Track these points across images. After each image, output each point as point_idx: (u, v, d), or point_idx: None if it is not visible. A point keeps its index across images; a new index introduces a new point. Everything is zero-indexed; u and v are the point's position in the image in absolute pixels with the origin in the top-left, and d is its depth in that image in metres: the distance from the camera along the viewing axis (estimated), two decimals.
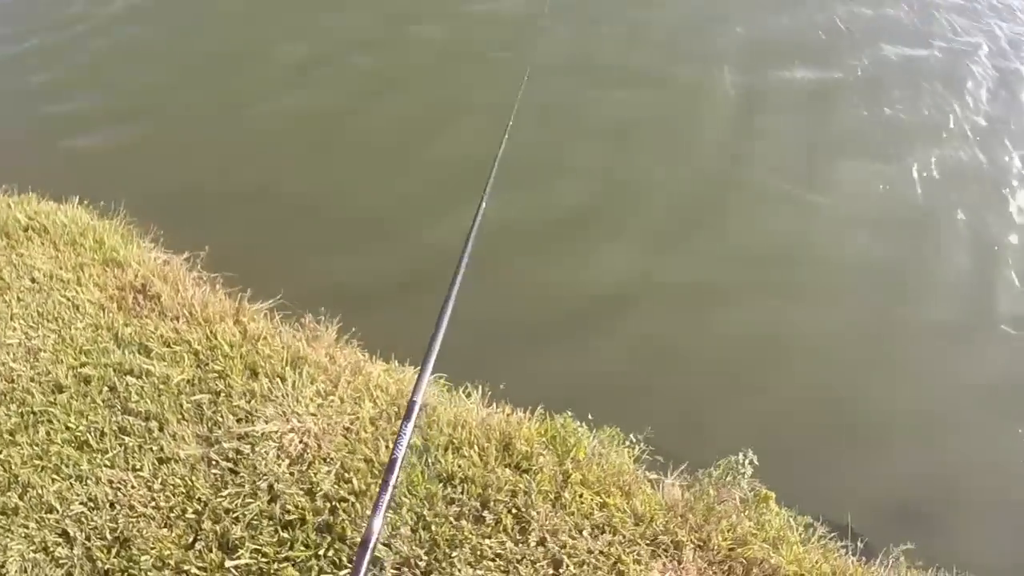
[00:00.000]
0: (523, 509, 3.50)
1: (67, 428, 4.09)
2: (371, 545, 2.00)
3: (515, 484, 3.59)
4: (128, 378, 4.22)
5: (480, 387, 4.34)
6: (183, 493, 3.70)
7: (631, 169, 6.45)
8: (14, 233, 5.52)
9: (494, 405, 4.21)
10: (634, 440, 4.13)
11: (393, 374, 4.32)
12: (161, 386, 4.14)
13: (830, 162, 6.64)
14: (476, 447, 3.74)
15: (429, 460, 3.63)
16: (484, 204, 3.07)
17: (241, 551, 3.44)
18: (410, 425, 2.26)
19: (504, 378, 4.29)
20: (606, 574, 3.33)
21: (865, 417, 4.87)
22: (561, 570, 3.31)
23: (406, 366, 4.42)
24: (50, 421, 4.15)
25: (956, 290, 5.79)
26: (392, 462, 2.16)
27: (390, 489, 2.10)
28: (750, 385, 5.00)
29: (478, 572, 3.27)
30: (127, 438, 3.96)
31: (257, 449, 3.76)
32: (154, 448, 3.89)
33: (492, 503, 3.52)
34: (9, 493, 3.90)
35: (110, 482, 3.82)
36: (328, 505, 3.52)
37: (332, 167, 6.40)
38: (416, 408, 2.31)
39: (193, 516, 3.61)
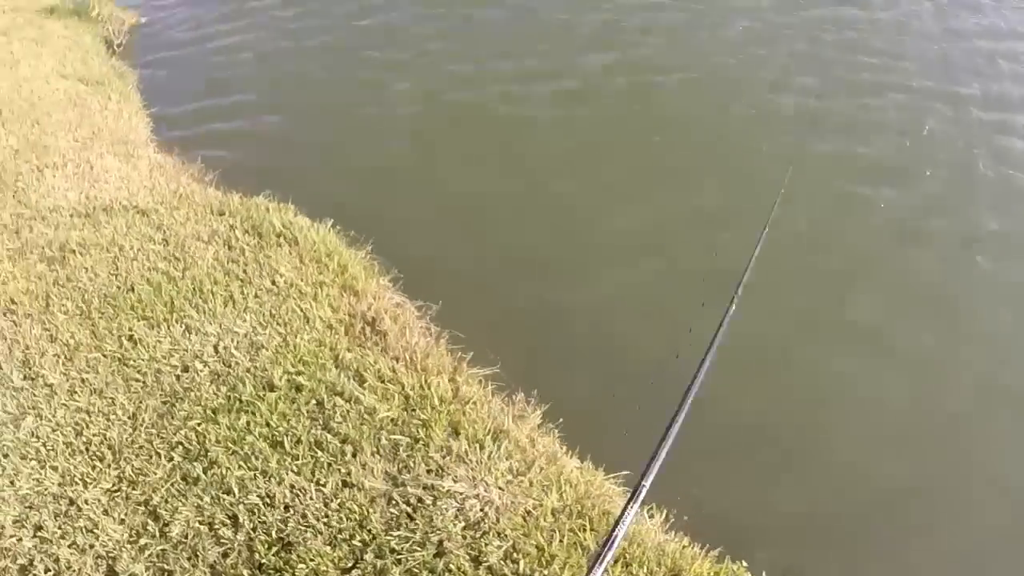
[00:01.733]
0: None
1: (267, 425, 5.21)
2: None
3: None
4: (337, 399, 5.32)
5: (664, 511, 4.99)
6: (356, 520, 4.61)
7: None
8: (267, 236, 7.07)
9: (672, 532, 4.88)
10: None
11: (585, 474, 5.06)
12: (366, 416, 5.18)
13: None
14: (645, 568, 4.37)
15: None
16: (713, 349, 3.83)
17: None
18: (635, 507, 2.99)
19: (692, 505, 4.96)
20: None
21: None
22: None
23: (599, 469, 5.16)
24: (253, 413, 5.30)
25: None
26: (611, 539, 2.87)
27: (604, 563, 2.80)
28: None
29: None
30: (320, 452, 4.99)
31: (439, 503, 4.61)
32: (342, 470, 4.87)
33: None
34: (195, 463, 5.04)
35: (291, 486, 4.82)
36: None
37: (585, 272, 7.48)
38: (643, 491, 3.04)
39: (359, 544, 4.49)
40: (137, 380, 5.68)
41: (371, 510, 4.64)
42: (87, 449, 5.26)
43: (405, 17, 13.11)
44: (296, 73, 11.98)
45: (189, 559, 4.60)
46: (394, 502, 4.67)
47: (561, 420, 5.54)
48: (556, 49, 11.53)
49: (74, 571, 4.60)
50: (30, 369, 5.90)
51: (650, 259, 7.57)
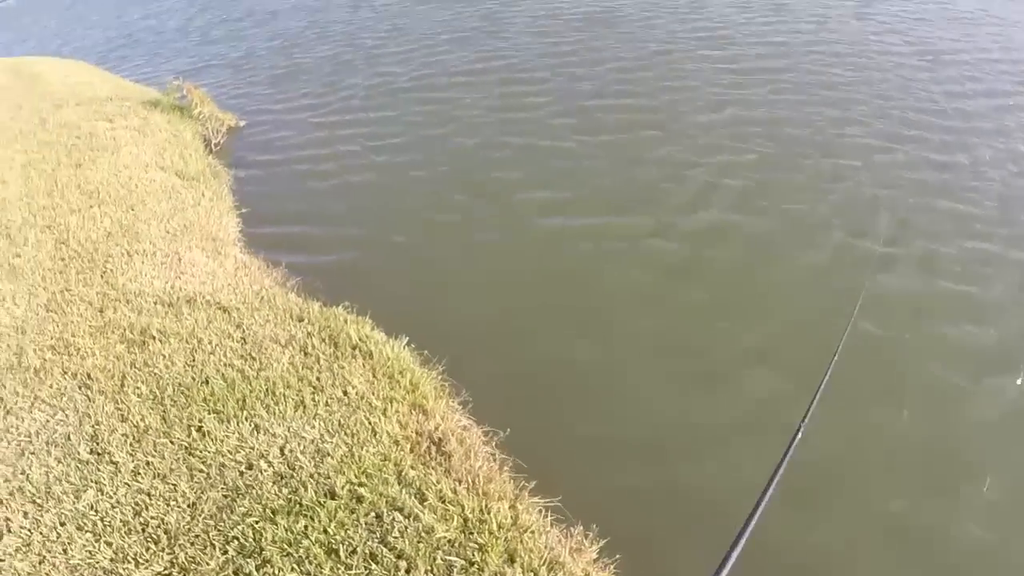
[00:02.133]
0: None
1: (325, 531, 5.45)
2: None
3: None
4: (397, 514, 5.56)
5: None
6: None
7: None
8: (343, 346, 7.49)
9: None
10: None
11: None
12: (423, 534, 5.40)
13: None
14: None
15: None
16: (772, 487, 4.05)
17: None
18: None
19: None
20: None
21: None
22: None
23: None
24: (312, 518, 5.55)
25: None
26: None
27: None
28: None
29: None
30: (374, 565, 5.20)
31: None
32: None
33: None
34: (249, 559, 5.29)
35: None
36: None
37: (658, 435, 7.62)
38: None
39: None
40: (201, 471, 6.01)
41: None
42: (143, 530, 5.56)
43: (499, 160, 13.91)
44: (381, 202, 12.86)
45: None
46: None
47: (619, 557, 5.70)
48: (653, 207, 11.93)
49: None
50: (98, 444, 6.30)
51: (722, 447, 7.64)
